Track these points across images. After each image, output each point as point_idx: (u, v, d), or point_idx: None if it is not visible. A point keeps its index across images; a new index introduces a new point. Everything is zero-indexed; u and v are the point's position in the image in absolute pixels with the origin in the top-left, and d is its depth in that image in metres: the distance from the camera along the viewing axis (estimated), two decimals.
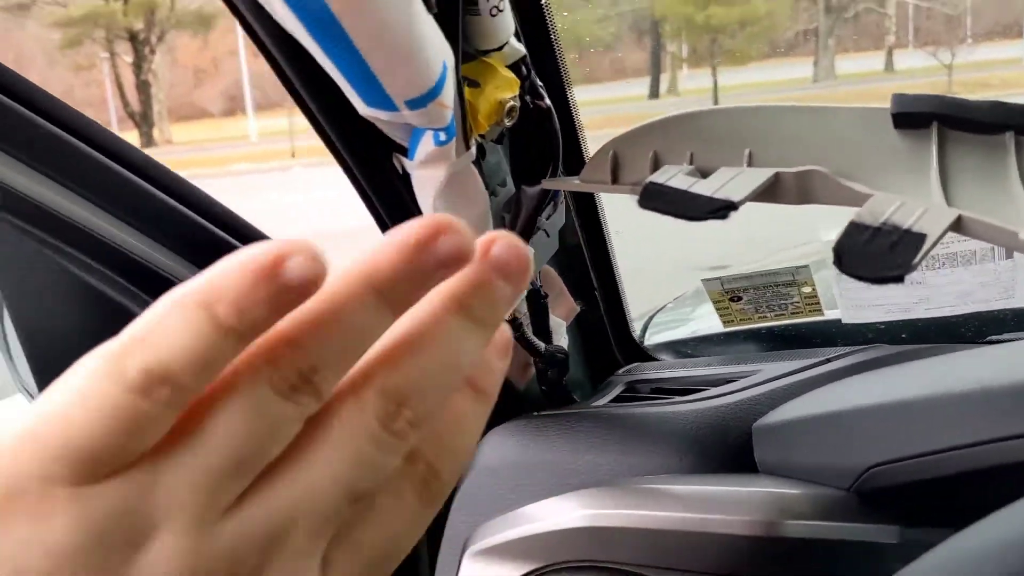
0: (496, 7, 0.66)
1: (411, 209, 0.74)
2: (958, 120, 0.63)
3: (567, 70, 0.81)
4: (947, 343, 1.02)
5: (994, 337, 1.09)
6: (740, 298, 1.14)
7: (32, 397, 1.25)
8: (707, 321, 1.30)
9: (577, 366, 1.10)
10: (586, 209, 1.00)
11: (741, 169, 0.67)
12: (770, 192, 0.66)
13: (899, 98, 0.65)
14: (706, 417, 0.83)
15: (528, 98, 0.74)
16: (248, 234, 1.02)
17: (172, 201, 0.89)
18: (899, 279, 0.56)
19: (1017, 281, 1.05)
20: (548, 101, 0.75)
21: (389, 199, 0.76)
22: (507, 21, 0.68)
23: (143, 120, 25.78)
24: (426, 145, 0.65)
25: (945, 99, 0.63)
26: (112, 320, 0.93)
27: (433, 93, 0.58)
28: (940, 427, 0.68)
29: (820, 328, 1.17)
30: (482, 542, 0.78)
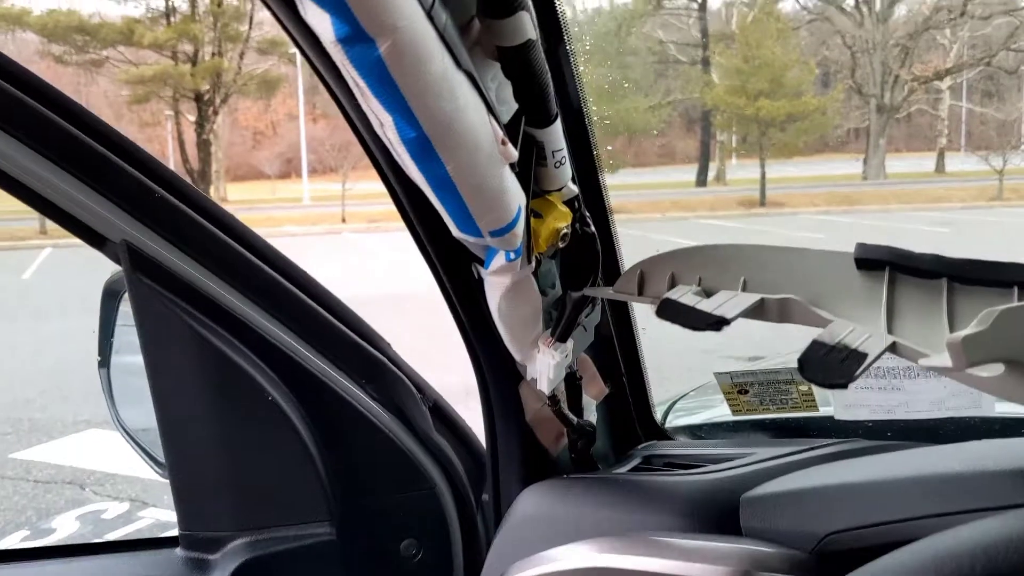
0: (559, 161, 0.88)
1: (482, 306, 0.96)
2: (906, 267, 0.84)
3: (611, 206, 1.03)
4: (918, 443, 1.20)
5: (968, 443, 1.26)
6: (747, 391, 1.33)
7: (129, 436, 1.47)
8: (722, 408, 1.49)
9: (603, 439, 1.29)
10: (619, 309, 1.21)
11: (736, 293, 0.88)
12: (756, 312, 0.86)
13: (860, 246, 0.85)
14: (705, 488, 1.02)
15: (578, 226, 0.95)
16: (349, 318, 1.24)
17: (293, 287, 1.12)
18: (843, 386, 0.76)
19: (983, 393, 1.23)
20: (593, 228, 0.97)
21: (467, 296, 0.98)
22: (566, 170, 0.90)
23: (201, 178, 26.65)
24: (498, 260, 0.87)
25: (896, 250, 0.84)
26: (235, 385, 1.15)
27: (510, 227, 0.80)
28: (889, 504, 0.87)
29: (816, 422, 1.36)
30: None
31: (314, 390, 1.21)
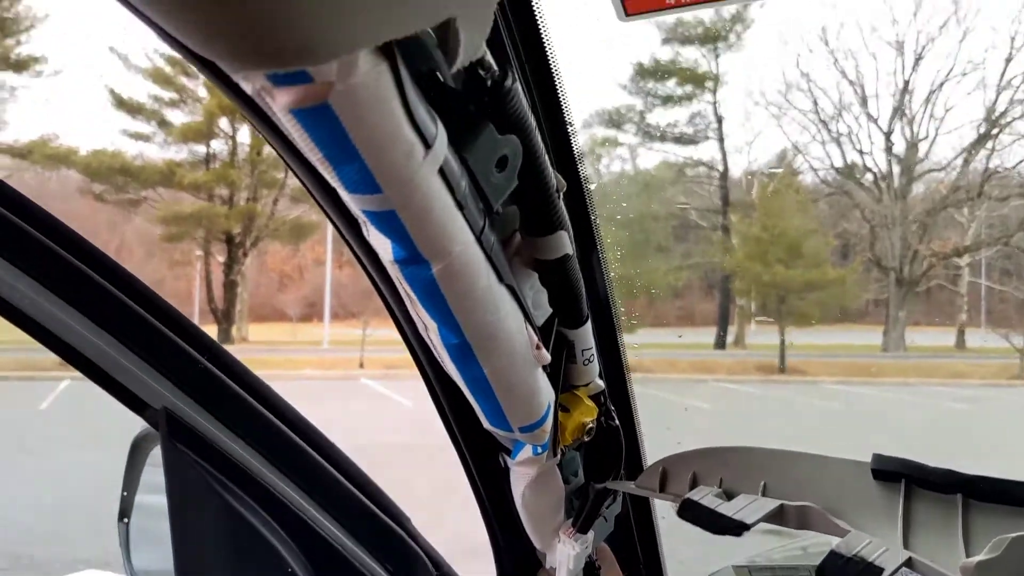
0: (587, 359, 0.92)
1: (506, 493, 0.98)
2: (921, 480, 0.86)
3: (636, 402, 1.07)
4: None
5: None
6: None
7: None
8: None
9: None
10: (640, 502, 1.22)
11: (756, 497, 0.90)
12: (775, 518, 0.88)
13: (877, 457, 0.88)
14: None
15: (603, 419, 0.99)
16: (373, 492, 1.26)
17: (322, 460, 1.15)
18: None
19: None
20: (617, 422, 1.00)
21: (492, 483, 1.00)
22: (594, 367, 0.94)
23: (224, 317, 27.04)
24: (525, 452, 0.90)
25: (911, 463, 0.87)
26: (258, 555, 1.16)
27: (539, 423, 0.84)
28: None
29: None
30: None
31: (333, 563, 1.22)
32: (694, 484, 0.94)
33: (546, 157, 0.71)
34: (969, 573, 0.68)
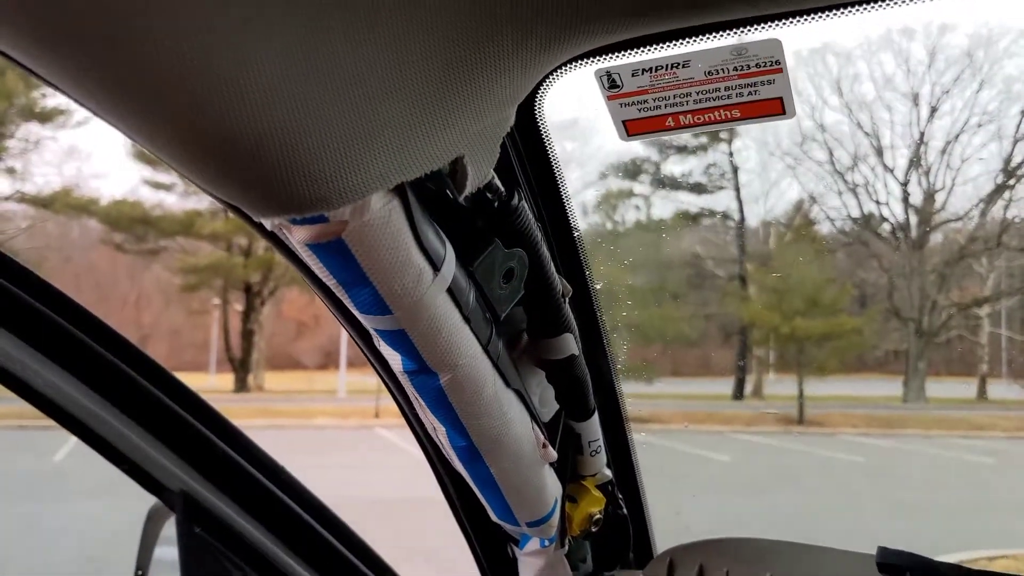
0: (594, 450, 0.94)
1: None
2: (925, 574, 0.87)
3: (644, 489, 1.08)
4: None
5: None
6: None
7: None
8: None
9: None
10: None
11: None
12: None
13: (882, 550, 0.89)
14: None
15: (610, 508, 1.00)
16: (376, 561, 1.27)
17: (339, 544, 1.16)
18: None
19: None
20: (625, 511, 1.01)
21: (501, 571, 1.02)
22: (602, 458, 0.96)
23: (241, 366, 27.12)
24: (533, 544, 0.92)
25: (916, 557, 0.88)
26: None
27: (546, 519, 0.86)
28: None
29: None
30: None
31: None
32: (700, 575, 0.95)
33: (552, 266, 0.74)
34: None
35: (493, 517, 0.88)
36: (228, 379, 26.35)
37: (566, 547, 0.95)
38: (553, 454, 0.82)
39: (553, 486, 0.86)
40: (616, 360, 0.97)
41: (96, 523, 8.15)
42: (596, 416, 0.93)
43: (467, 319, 0.65)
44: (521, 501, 0.82)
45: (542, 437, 0.80)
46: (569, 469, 0.92)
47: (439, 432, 0.75)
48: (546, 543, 0.91)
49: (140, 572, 1.51)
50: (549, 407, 0.86)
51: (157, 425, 1.10)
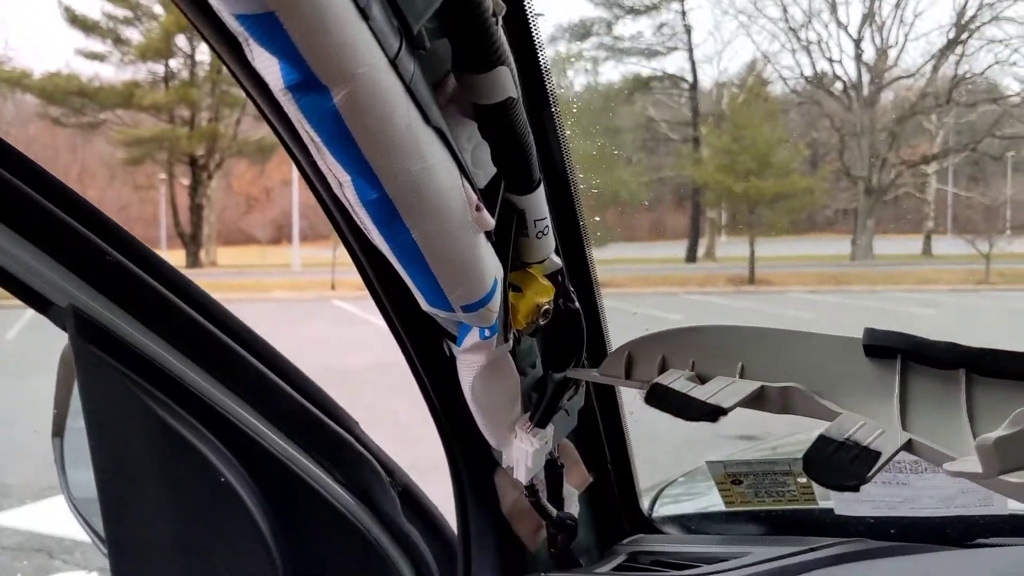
0: (541, 231, 0.81)
1: (456, 386, 0.87)
2: (919, 356, 0.76)
3: (598, 280, 0.96)
4: (930, 544, 1.11)
5: (980, 540, 1.18)
6: (741, 482, 1.24)
7: (75, 508, 1.37)
8: (714, 498, 1.40)
9: (586, 532, 1.20)
10: (604, 390, 1.12)
11: (733, 379, 0.80)
12: (755, 401, 0.78)
13: (870, 331, 0.78)
14: None
15: (561, 301, 0.88)
16: (314, 393, 1.15)
17: (253, 359, 1.04)
18: (855, 488, 0.68)
19: (993, 491, 1.14)
20: (577, 305, 0.89)
21: (437, 375, 0.89)
22: (549, 241, 0.83)
23: (192, 241, 26.64)
24: (472, 337, 0.79)
25: (909, 337, 0.77)
26: (184, 463, 1.06)
27: (484, 302, 0.72)
28: None
29: (815, 516, 1.27)
30: None
31: (272, 471, 1.11)
32: (663, 369, 0.84)
33: None
34: (987, 452, 0.58)
35: (424, 306, 0.75)
36: (180, 255, 25.92)
37: (510, 342, 0.83)
38: (489, 220, 0.68)
39: (492, 264, 0.73)
40: (565, 118, 0.82)
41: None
42: (542, 191, 0.79)
43: (364, 14, 0.49)
44: (452, 276, 0.69)
45: (475, 197, 0.66)
46: (511, 251, 0.79)
47: (345, 187, 0.60)
48: (487, 334, 0.78)
49: (57, 412, 1.38)
50: (484, 169, 0.71)
51: (40, 235, 0.95)
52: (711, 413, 0.74)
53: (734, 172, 23.99)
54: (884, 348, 0.77)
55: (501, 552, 1.06)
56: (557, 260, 0.86)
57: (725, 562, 1.00)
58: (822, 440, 0.70)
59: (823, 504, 1.24)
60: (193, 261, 25.93)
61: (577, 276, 0.92)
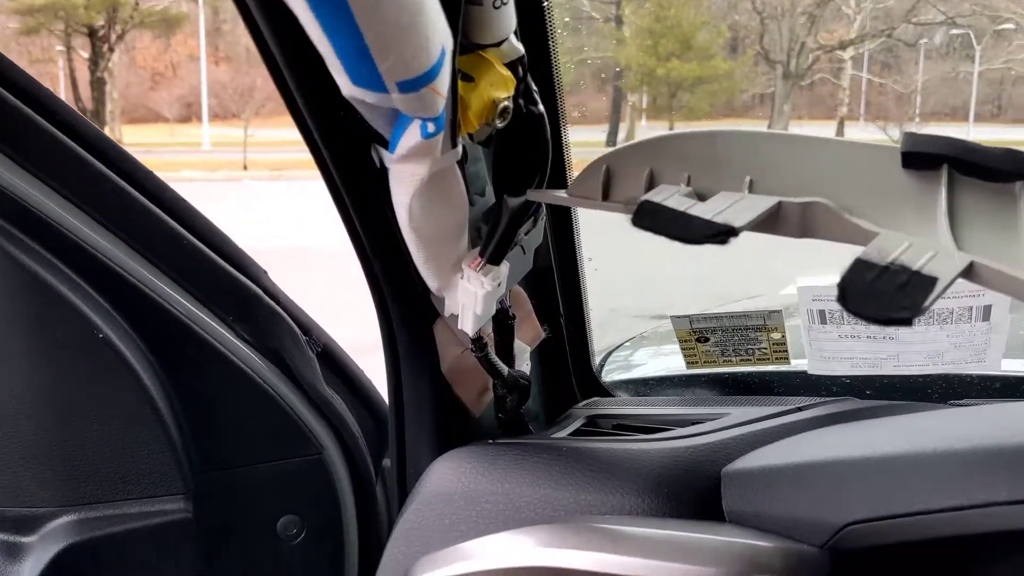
0: (500, 1, 0.61)
1: (383, 209, 0.69)
2: (969, 164, 0.60)
3: (561, 78, 0.77)
4: (912, 402, 0.99)
5: (965, 401, 1.07)
6: (708, 339, 1.11)
7: None
8: (666, 362, 1.26)
9: (535, 395, 1.05)
10: (562, 232, 0.96)
11: (743, 195, 0.63)
12: (771, 222, 0.62)
13: (911, 137, 0.61)
14: (673, 458, 0.79)
15: (522, 102, 0.69)
16: (214, 239, 0.96)
17: (140, 196, 0.84)
18: (907, 322, 0.52)
19: (990, 345, 1.03)
20: (541, 108, 0.70)
21: (362, 196, 0.71)
22: (509, 16, 0.64)
23: (94, 118, 25.25)
24: (411, 136, 0.60)
25: (957, 142, 0.60)
26: (57, 320, 0.87)
27: (428, 77, 0.54)
28: (924, 487, 0.65)
29: (783, 378, 1.14)
30: None
31: (164, 328, 0.93)
32: (652, 185, 0.67)
33: None
34: None
35: (346, 88, 0.56)
36: None
37: (459, 149, 0.65)
38: None
39: (439, 27, 0.53)
40: None
41: None
42: None
43: None
44: (385, 34, 0.49)
45: None
46: (460, 25, 0.59)
47: None
48: (429, 131, 0.59)
49: None
50: None
51: None
52: (720, 233, 0.58)
53: (656, 54, 23.76)
54: (927, 156, 0.60)
55: (440, 417, 0.90)
56: (518, 45, 0.67)
57: (701, 424, 0.86)
58: (860, 264, 0.54)
59: (795, 364, 1.11)
60: None
61: (540, 71, 0.73)
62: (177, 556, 0.95)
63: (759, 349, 1.10)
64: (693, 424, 0.88)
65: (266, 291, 1.00)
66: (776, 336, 1.09)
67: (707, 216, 0.60)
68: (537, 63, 0.74)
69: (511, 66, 0.67)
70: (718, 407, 0.95)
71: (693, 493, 0.76)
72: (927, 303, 0.52)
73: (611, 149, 0.68)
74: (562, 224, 0.94)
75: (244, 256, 1.00)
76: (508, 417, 0.92)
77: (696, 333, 1.10)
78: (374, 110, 0.59)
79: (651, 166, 0.68)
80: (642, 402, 1.07)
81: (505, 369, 0.85)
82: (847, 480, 0.68)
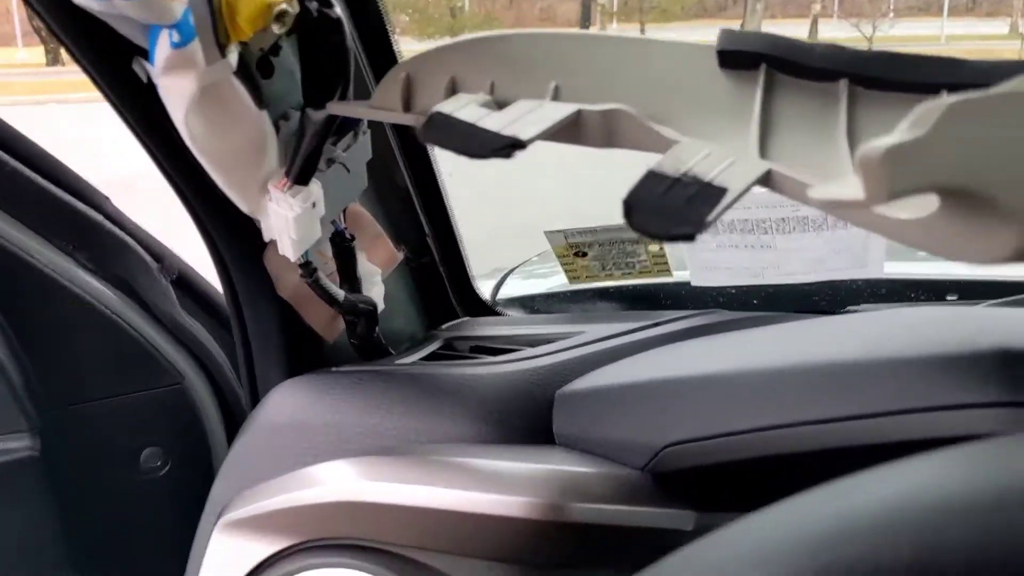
0: None
1: (164, 123, 0.63)
2: (790, 64, 0.55)
3: None
4: (797, 312, 0.96)
5: (850, 308, 1.05)
6: (585, 253, 1.07)
7: None
8: (561, 278, 1.22)
9: (409, 319, 1.01)
10: (412, 146, 0.90)
11: (540, 103, 0.58)
12: (570, 132, 0.57)
13: (727, 34, 0.56)
14: (510, 381, 0.75)
15: (316, 4, 0.63)
16: (44, 165, 0.90)
17: None
18: (689, 238, 0.48)
19: (869, 250, 1.00)
20: (338, 10, 0.64)
21: (143, 110, 0.65)
22: None
23: None
24: (163, 48, 0.55)
25: (777, 39, 0.55)
26: None
27: None
28: (746, 405, 0.62)
29: (670, 290, 1.11)
30: (236, 512, 0.68)
31: None
32: (452, 95, 0.62)
33: None
34: (873, 167, 0.39)
35: None
36: None
37: (231, 60, 0.59)
38: None
39: None
40: None
41: None
42: None
43: None
44: None
45: None
46: None
47: None
48: (177, 40, 0.54)
49: None
50: None
51: None
52: (505, 147, 0.53)
53: None
54: (744, 55, 0.55)
55: (287, 346, 0.86)
56: None
57: (552, 344, 0.83)
58: (651, 177, 0.49)
59: (679, 276, 1.08)
60: None
61: None
62: (25, 495, 0.92)
63: (639, 262, 1.07)
64: (546, 344, 0.85)
65: (109, 217, 0.95)
66: (654, 248, 1.05)
67: (496, 128, 0.55)
68: None
69: None
70: (580, 324, 0.92)
71: (527, 417, 0.72)
72: (712, 216, 0.47)
73: (413, 54, 0.63)
74: (412, 140, 0.89)
75: (82, 182, 0.94)
76: (362, 344, 0.88)
77: (573, 248, 1.06)
78: (113, 19, 0.53)
79: (454, 73, 0.62)
80: (514, 321, 1.04)
81: (341, 294, 0.81)
82: (671, 400, 0.65)
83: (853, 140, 0.49)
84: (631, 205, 0.48)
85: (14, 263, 0.88)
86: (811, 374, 0.61)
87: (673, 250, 1.06)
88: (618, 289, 1.13)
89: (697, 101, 0.57)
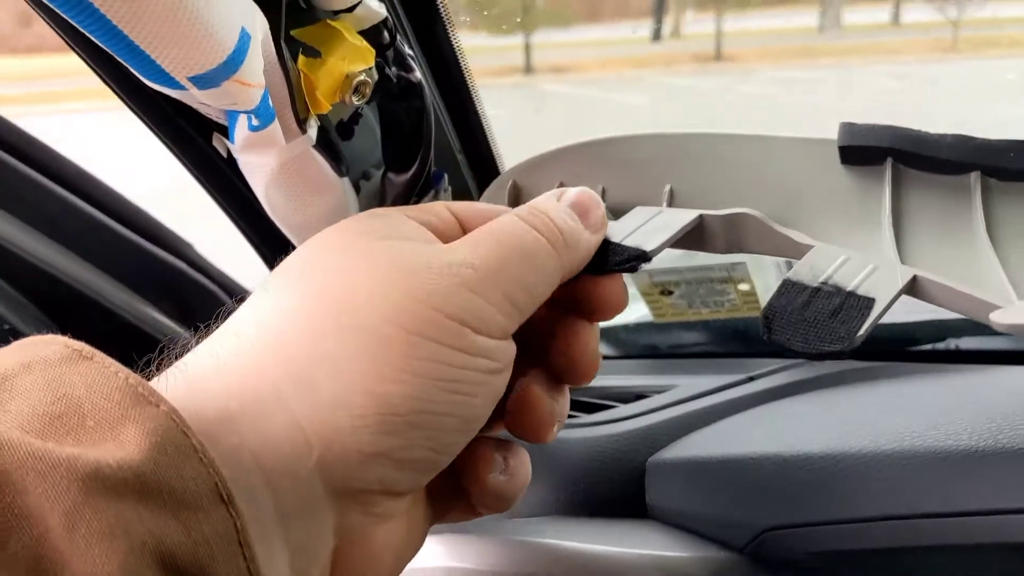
0: None
1: (245, 192, 0.62)
2: (917, 157, 0.51)
3: (463, 57, 0.68)
4: (902, 352, 0.91)
5: (957, 346, 0.97)
6: (671, 292, 1.03)
7: None
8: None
9: None
10: None
11: (660, 210, 0.55)
12: (693, 238, 0.54)
13: (848, 128, 0.52)
14: (598, 446, 0.72)
15: (394, 70, 0.61)
16: (150, 228, 0.90)
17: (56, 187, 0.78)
18: (840, 355, 0.44)
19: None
20: (418, 75, 0.62)
21: (222, 182, 0.64)
22: None
23: None
24: (242, 129, 0.53)
25: (900, 131, 0.51)
26: None
27: (226, 70, 0.46)
28: (869, 487, 0.58)
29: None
30: None
31: (79, 311, 0.88)
32: None
33: None
34: None
35: (149, 84, 0.48)
36: None
37: (312, 134, 0.57)
38: None
39: (231, 8, 0.45)
40: None
41: None
42: None
43: None
44: (150, 28, 0.42)
45: None
46: None
47: None
48: (255, 123, 0.52)
49: None
50: None
51: None
52: (631, 260, 0.49)
53: None
54: (868, 150, 0.51)
55: None
56: (377, 7, 0.58)
57: (641, 401, 0.80)
58: (789, 286, 0.46)
59: None
60: None
61: (422, 30, 0.64)
62: None
63: (728, 300, 1.02)
64: (639, 398, 0.82)
65: (190, 263, 0.95)
66: (744, 287, 1.01)
67: (618, 239, 0.52)
68: (421, 21, 0.65)
69: (371, 33, 0.58)
70: (669, 375, 0.88)
71: (615, 486, 0.69)
72: (863, 331, 0.44)
73: (516, 165, 0.60)
74: None
75: (163, 228, 0.94)
76: None
77: (659, 287, 1.02)
78: (194, 101, 0.51)
79: (562, 179, 0.60)
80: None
81: None
82: (770, 477, 0.61)
83: (995, 238, 0.45)
84: (770, 317, 0.45)
85: (99, 316, 0.88)
86: (936, 456, 0.57)
87: (764, 288, 1.02)
88: (704, 323, 1.09)
89: (821, 200, 0.54)
